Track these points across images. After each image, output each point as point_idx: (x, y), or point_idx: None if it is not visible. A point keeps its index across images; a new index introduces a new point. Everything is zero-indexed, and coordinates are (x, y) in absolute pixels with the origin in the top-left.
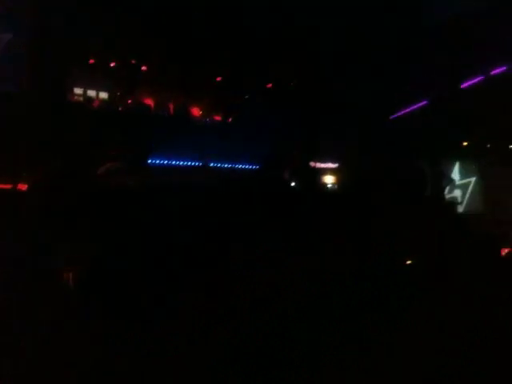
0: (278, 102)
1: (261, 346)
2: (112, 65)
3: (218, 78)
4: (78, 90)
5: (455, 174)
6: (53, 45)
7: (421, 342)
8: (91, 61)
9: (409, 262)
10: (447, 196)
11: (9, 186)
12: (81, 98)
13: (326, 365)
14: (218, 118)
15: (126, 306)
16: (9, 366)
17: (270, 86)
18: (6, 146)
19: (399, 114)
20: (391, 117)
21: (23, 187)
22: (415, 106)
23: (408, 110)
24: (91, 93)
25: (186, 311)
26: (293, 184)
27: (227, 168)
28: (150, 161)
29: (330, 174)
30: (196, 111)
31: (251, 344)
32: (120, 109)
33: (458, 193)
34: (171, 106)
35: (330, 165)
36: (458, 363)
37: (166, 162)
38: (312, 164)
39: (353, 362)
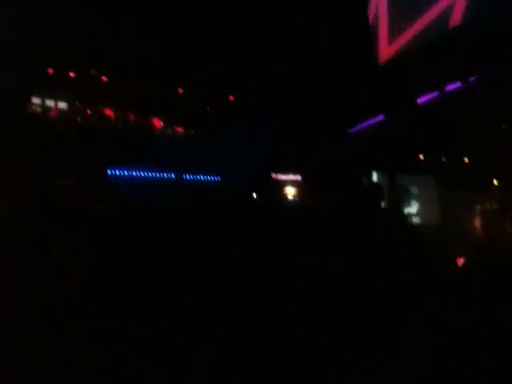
0: (245, 115)
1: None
2: (72, 75)
3: (180, 90)
4: (35, 100)
5: (413, 186)
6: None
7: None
8: (50, 70)
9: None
10: (405, 207)
11: None
12: (38, 108)
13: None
14: (179, 129)
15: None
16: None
17: (231, 98)
18: None
19: (357, 128)
20: (350, 131)
21: None
22: (373, 121)
23: (365, 124)
24: (49, 102)
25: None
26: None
27: (195, 181)
28: (118, 173)
29: (291, 186)
30: (158, 123)
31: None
32: (79, 119)
33: (415, 204)
34: (132, 117)
35: (292, 177)
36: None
37: (133, 173)
38: (274, 176)
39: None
